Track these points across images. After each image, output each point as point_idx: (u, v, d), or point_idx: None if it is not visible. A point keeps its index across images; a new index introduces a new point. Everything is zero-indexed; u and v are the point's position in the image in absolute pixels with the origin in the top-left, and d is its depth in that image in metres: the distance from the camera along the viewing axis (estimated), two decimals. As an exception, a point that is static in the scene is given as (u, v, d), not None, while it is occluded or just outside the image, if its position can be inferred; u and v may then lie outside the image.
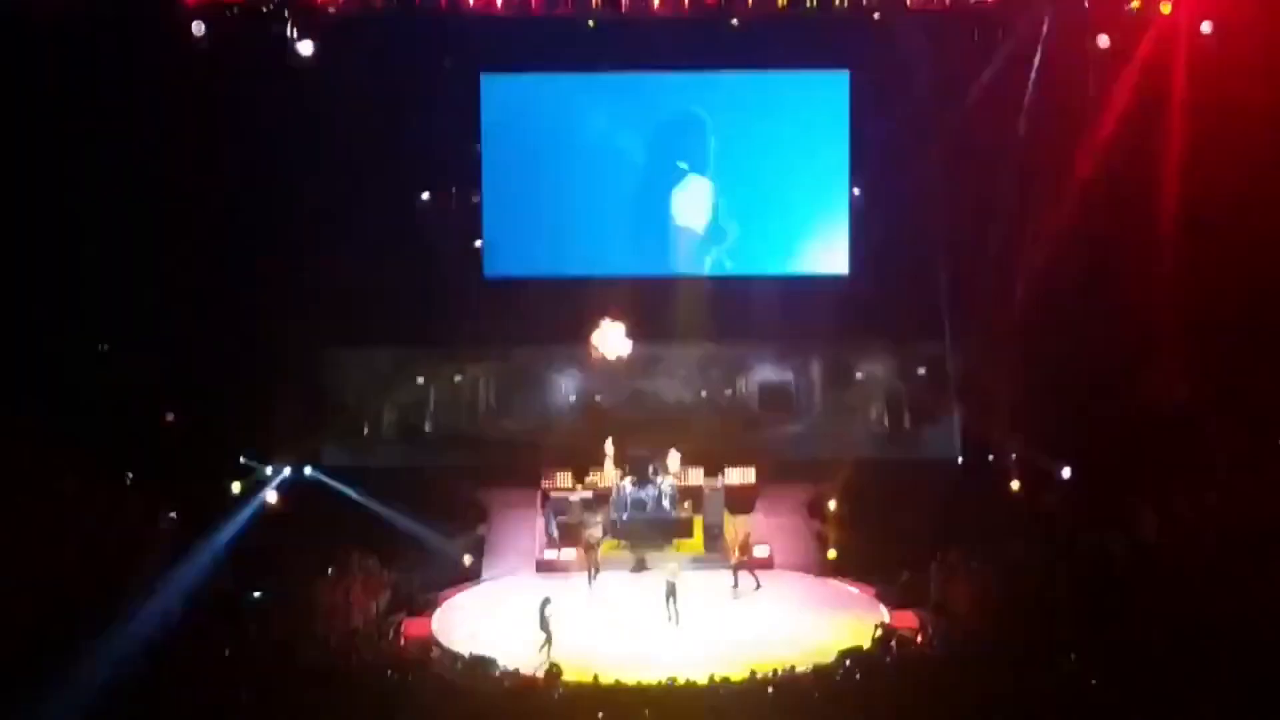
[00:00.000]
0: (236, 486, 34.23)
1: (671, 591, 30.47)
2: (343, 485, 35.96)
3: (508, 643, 29.20)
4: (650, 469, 35.12)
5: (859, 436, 39.21)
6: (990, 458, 36.49)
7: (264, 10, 34.93)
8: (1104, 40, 35.35)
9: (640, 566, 33.11)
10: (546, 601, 29.57)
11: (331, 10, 35.01)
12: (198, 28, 34.14)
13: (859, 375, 39.91)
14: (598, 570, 32.66)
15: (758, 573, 32.31)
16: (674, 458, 35.45)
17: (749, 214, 38.79)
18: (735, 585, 32.13)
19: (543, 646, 29.04)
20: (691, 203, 38.59)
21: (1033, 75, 36.43)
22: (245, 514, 33.26)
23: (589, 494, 35.09)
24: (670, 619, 30.31)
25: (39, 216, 34.29)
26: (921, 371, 38.88)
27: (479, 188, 38.36)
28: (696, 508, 34.89)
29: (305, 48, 34.86)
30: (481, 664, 27.58)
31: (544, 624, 29.24)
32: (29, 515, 29.24)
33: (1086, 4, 35.51)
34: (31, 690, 23.06)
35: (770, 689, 25.43)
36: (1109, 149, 36.24)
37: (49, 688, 23.23)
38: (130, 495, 31.68)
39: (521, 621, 30.67)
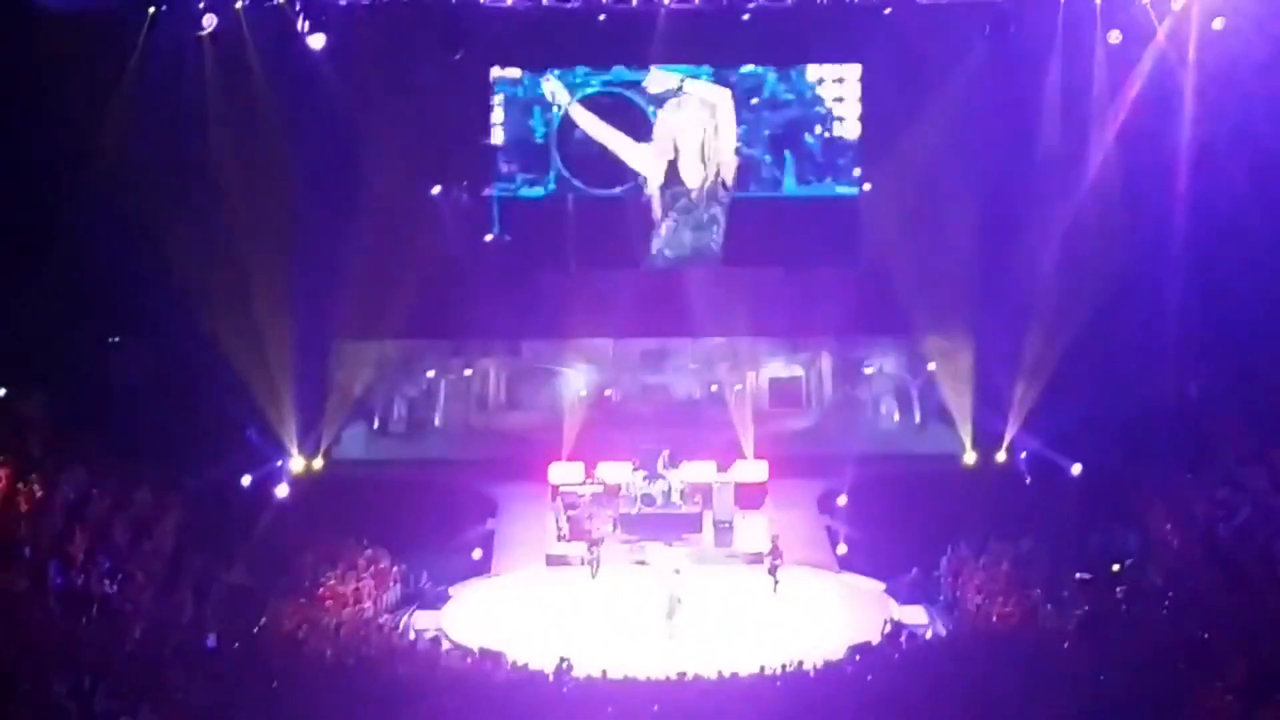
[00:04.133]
0: (247, 479, 34.25)
1: (674, 605, 30.27)
2: (353, 478, 36.06)
3: (517, 636, 29.23)
4: (660, 463, 35.11)
5: (869, 431, 39.22)
6: (1001, 453, 36.42)
7: (275, 2, 34.88)
8: (1115, 35, 35.28)
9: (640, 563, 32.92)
10: (676, 570, 30.69)
11: (342, 2, 34.96)
12: (208, 20, 34.12)
13: (869, 370, 39.91)
14: (599, 565, 32.67)
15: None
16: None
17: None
18: (775, 587, 32.13)
19: (674, 613, 29.79)
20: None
21: (1044, 70, 36.34)
22: (256, 507, 33.31)
23: (599, 488, 35.07)
24: (670, 635, 30.03)
25: (49, 209, 34.25)
26: (932, 366, 38.81)
27: (490, 181, 38.34)
28: (706, 503, 34.87)
29: (316, 40, 34.79)
30: (491, 658, 27.62)
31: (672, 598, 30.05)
32: (41, 507, 29.29)
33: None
34: (42, 679, 23.04)
35: (779, 683, 25.45)
36: (1120, 144, 36.15)
37: (58, 676, 23.22)
38: (141, 488, 31.61)
39: (530, 615, 30.82)
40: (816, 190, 38.20)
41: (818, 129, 38.07)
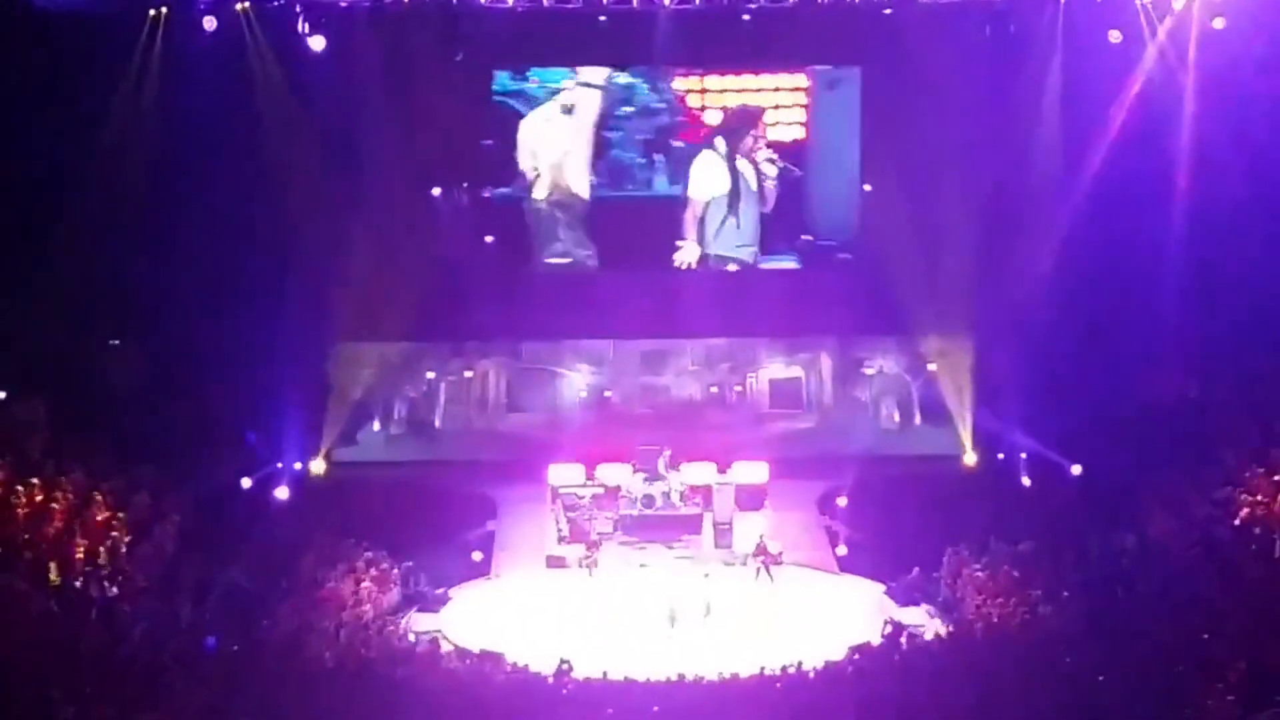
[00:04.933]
0: (247, 481, 34.25)
1: (673, 617, 30.31)
2: (353, 480, 36.05)
3: (517, 638, 29.22)
4: (660, 465, 35.10)
5: (869, 432, 39.24)
6: (1000, 454, 36.39)
7: (275, 4, 34.91)
8: (1115, 35, 35.29)
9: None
10: (706, 575, 31.27)
11: (343, 4, 34.97)
12: (209, 22, 34.16)
13: (869, 371, 39.90)
14: (596, 566, 32.66)
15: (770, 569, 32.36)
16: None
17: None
18: (770, 580, 32.15)
19: (706, 615, 30.02)
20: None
21: (1044, 70, 36.37)
22: (256, 509, 33.31)
23: (599, 490, 35.06)
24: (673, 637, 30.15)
25: (48, 211, 34.30)
26: (932, 367, 38.78)
27: (490, 183, 38.37)
28: (706, 504, 34.86)
29: (316, 42, 34.82)
30: (491, 659, 27.61)
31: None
32: (40, 510, 29.29)
33: (1099, -1, 35.53)
34: (41, 682, 23.04)
35: (779, 685, 25.44)
36: (1120, 144, 36.18)
37: (57, 679, 23.23)
38: (141, 491, 31.61)
39: (530, 617, 30.82)
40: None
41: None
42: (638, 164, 38.58)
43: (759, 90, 38.35)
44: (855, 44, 36.92)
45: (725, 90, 38.37)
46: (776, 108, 38.41)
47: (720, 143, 38.43)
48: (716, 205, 38.67)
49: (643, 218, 38.64)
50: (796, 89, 38.37)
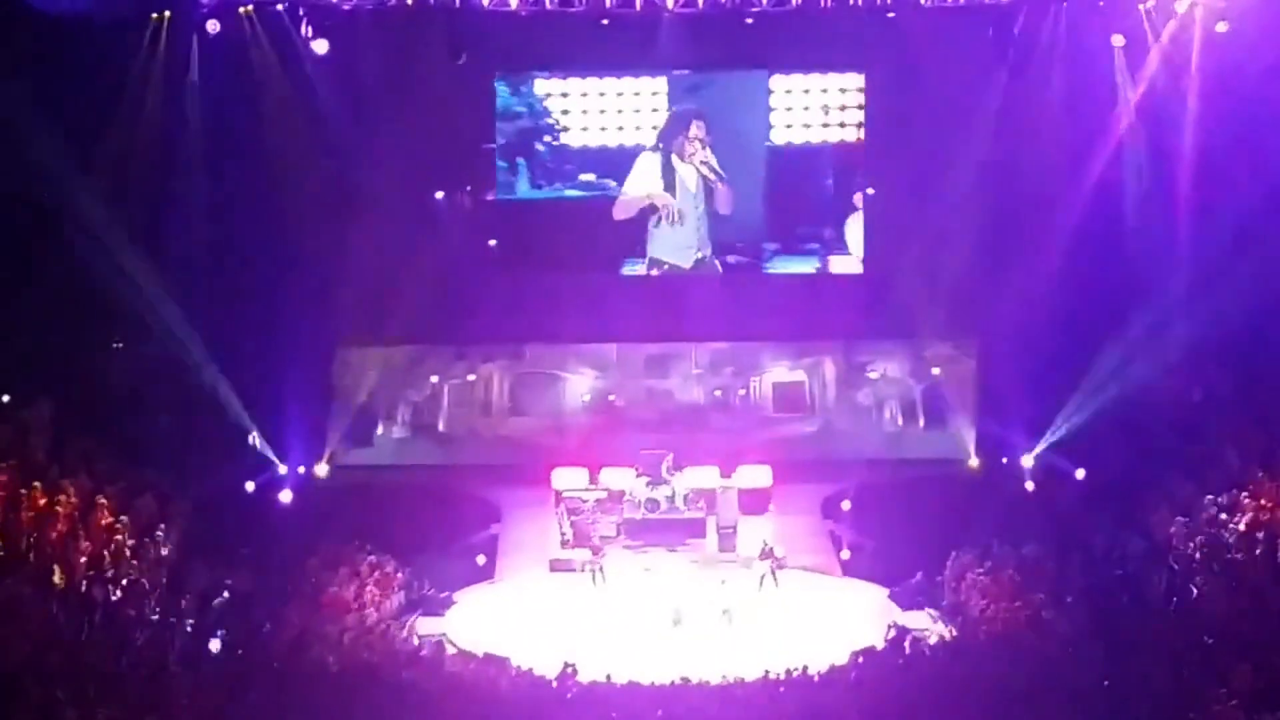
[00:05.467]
0: (250, 485, 34.23)
1: (677, 619, 30.44)
2: (356, 484, 36.05)
3: (521, 641, 29.21)
4: (664, 469, 35.10)
5: (873, 436, 39.24)
6: (1004, 458, 36.36)
7: (278, 8, 34.91)
8: (1119, 39, 35.29)
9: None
10: (723, 581, 31.27)
11: (345, 8, 34.98)
12: (212, 26, 34.17)
13: (873, 375, 39.87)
14: (602, 570, 32.64)
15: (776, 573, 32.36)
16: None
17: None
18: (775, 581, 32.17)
19: (725, 613, 30.21)
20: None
21: (1047, 73, 36.34)
22: (259, 513, 33.30)
23: (603, 494, 35.07)
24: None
25: (51, 214, 34.31)
26: (936, 371, 38.77)
27: (493, 186, 38.36)
28: (710, 508, 34.84)
29: (319, 46, 34.82)
30: (495, 663, 27.60)
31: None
32: (44, 514, 29.28)
33: (1101, 2, 35.45)
34: (46, 685, 23.04)
35: (783, 688, 25.43)
36: (1124, 148, 36.18)
37: (61, 683, 23.22)
38: (145, 494, 31.60)
39: (534, 620, 30.81)
40: (548, 194, 38.39)
41: (547, 138, 38.28)
42: (500, 168, 38.27)
43: (621, 95, 37.88)
44: (858, 47, 36.89)
45: (587, 94, 38.03)
46: (637, 111, 38.04)
47: (659, 144, 38.20)
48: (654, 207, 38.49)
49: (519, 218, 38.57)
50: (655, 93, 38.04)
